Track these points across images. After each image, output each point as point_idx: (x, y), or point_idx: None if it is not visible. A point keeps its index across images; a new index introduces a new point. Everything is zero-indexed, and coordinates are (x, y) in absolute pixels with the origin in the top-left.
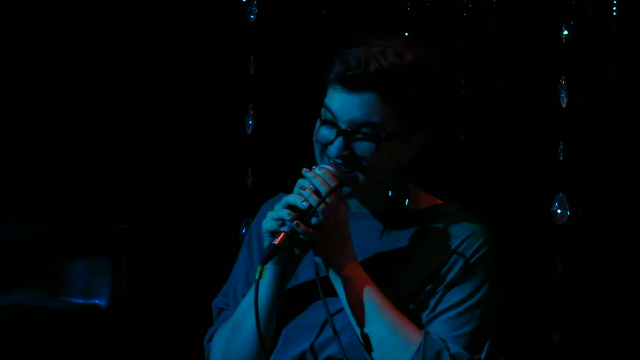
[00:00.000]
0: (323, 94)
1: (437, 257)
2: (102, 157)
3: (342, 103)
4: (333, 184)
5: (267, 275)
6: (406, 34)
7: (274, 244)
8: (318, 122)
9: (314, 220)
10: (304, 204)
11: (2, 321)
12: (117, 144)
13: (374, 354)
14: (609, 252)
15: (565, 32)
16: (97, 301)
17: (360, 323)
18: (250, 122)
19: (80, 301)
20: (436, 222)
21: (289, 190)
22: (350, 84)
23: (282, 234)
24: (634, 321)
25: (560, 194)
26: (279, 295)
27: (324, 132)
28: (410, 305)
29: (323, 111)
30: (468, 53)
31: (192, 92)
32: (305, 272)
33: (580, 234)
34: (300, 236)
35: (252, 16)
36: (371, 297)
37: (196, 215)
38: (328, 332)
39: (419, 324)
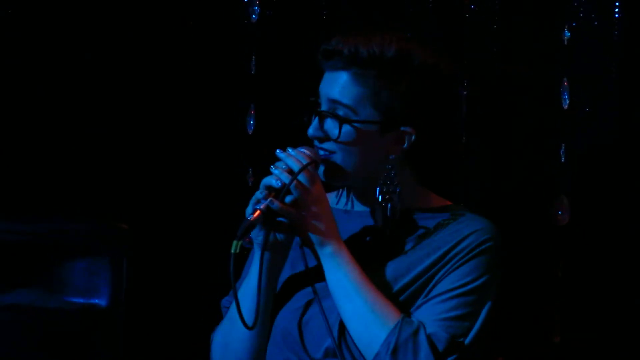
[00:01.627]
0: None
1: (439, 251)
2: (103, 157)
3: (325, 80)
4: (306, 162)
5: (256, 262)
6: (408, 34)
7: (249, 220)
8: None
9: (288, 198)
10: (277, 182)
11: (2, 321)
12: (117, 143)
13: (351, 331)
14: (610, 254)
15: (567, 34)
16: (97, 301)
17: (341, 299)
18: (251, 122)
19: (81, 301)
20: (444, 220)
21: None
22: (328, 60)
23: (258, 211)
24: (635, 323)
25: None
26: (271, 284)
27: (312, 118)
28: (407, 293)
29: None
30: (470, 54)
31: (193, 92)
32: (300, 263)
33: (581, 236)
34: (279, 219)
35: (253, 16)
36: (352, 274)
37: (197, 215)
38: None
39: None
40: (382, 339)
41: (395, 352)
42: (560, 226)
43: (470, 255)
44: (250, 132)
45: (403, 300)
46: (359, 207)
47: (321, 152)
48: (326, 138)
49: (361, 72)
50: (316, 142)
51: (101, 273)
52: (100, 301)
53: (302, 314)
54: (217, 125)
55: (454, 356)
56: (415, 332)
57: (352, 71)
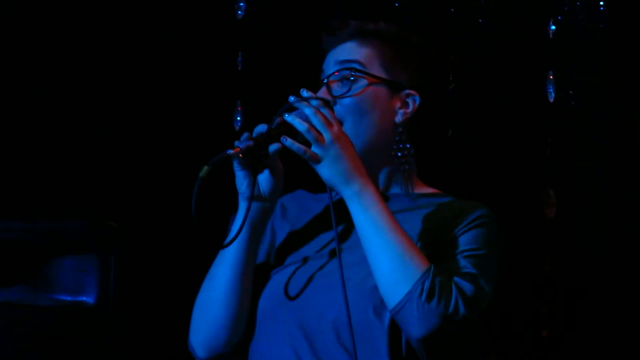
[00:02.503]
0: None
1: (440, 233)
2: (91, 155)
3: (326, 59)
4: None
5: (240, 214)
6: None
7: (227, 152)
8: None
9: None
10: (265, 128)
11: None
12: (105, 141)
13: (378, 269)
14: (598, 248)
15: (553, 27)
16: (85, 298)
17: (370, 237)
18: (238, 119)
19: (68, 299)
20: (437, 203)
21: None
22: (332, 35)
23: (237, 148)
24: (623, 317)
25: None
26: (254, 237)
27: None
28: None
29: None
30: (456, 48)
31: (180, 89)
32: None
33: (567, 230)
34: (265, 162)
35: (240, 12)
36: (381, 214)
37: (186, 213)
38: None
39: None
40: (413, 280)
41: (429, 294)
42: (546, 220)
43: (474, 223)
44: (237, 128)
45: None
46: None
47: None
48: (332, 101)
49: (365, 39)
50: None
51: (89, 271)
52: (88, 299)
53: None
54: (204, 122)
55: (479, 307)
56: (448, 279)
57: (357, 39)
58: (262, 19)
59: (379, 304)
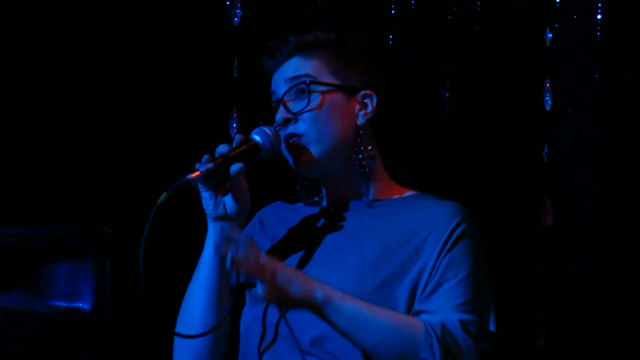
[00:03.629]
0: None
1: (414, 236)
2: (86, 159)
3: (274, 79)
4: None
5: (210, 235)
6: (390, 36)
7: (186, 177)
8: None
9: (234, 167)
10: (224, 147)
11: None
12: (101, 147)
13: (385, 356)
14: (594, 255)
15: (550, 35)
16: (80, 304)
17: (359, 334)
18: (234, 125)
19: (64, 304)
20: (410, 206)
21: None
22: (274, 58)
23: (197, 172)
24: (620, 325)
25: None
26: (224, 262)
27: (276, 116)
28: (397, 286)
29: (272, 102)
30: (453, 56)
31: (176, 95)
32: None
33: (564, 238)
34: (229, 183)
35: (236, 19)
36: (356, 306)
37: (181, 218)
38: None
39: (411, 305)
40: (420, 348)
41: (442, 353)
42: (543, 228)
43: (452, 238)
44: (233, 134)
45: (391, 284)
46: (327, 201)
47: (290, 140)
48: (294, 119)
49: (308, 52)
50: (283, 131)
51: (85, 277)
52: (84, 305)
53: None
54: (200, 128)
55: (488, 336)
56: (444, 326)
57: (299, 55)
58: (258, 26)
59: None
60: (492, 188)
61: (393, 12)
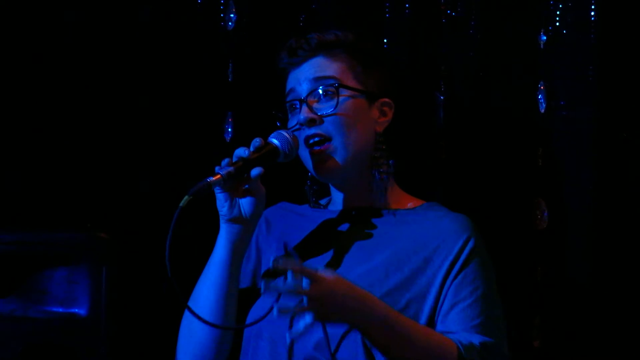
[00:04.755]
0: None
1: (424, 247)
2: (82, 166)
3: (294, 77)
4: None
5: (221, 235)
6: (385, 40)
7: (207, 180)
8: (289, 116)
9: (255, 171)
10: (245, 152)
11: None
12: (96, 152)
13: None
14: (589, 258)
15: (544, 38)
16: (76, 310)
17: (389, 348)
18: (229, 130)
19: (60, 310)
20: (420, 217)
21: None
22: (295, 56)
23: (218, 175)
24: (614, 327)
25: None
26: (236, 259)
27: (292, 119)
28: (405, 296)
29: (287, 100)
30: (447, 59)
31: (170, 100)
32: None
33: (559, 240)
34: (246, 186)
35: (230, 23)
36: (396, 323)
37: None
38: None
39: (416, 315)
40: None
41: None
42: (538, 230)
43: (465, 256)
44: (228, 139)
45: (398, 293)
46: (337, 206)
47: (315, 145)
48: (319, 120)
49: (330, 52)
50: (306, 130)
51: (81, 282)
52: (80, 310)
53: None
54: (195, 133)
55: (504, 345)
56: (473, 347)
57: (321, 54)
58: (253, 30)
59: None
60: (486, 190)
61: (387, 15)
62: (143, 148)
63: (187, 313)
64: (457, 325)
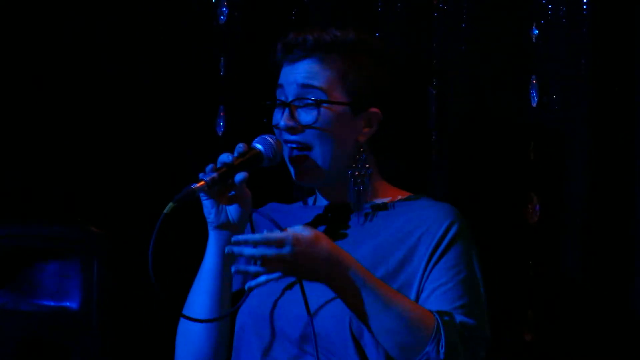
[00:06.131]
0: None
1: (408, 236)
2: (73, 159)
3: (285, 74)
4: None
5: (211, 243)
6: (377, 34)
7: (191, 187)
8: (275, 110)
9: (239, 176)
10: (229, 157)
11: None
12: (87, 146)
13: (392, 341)
14: (581, 252)
15: (536, 31)
16: (68, 303)
17: (365, 315)
18: (221, 124)
19: (51, 303)
20: (405, 208)
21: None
22: (290, 53)
23: (202, 181)
24: (606, 321)
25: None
26: (226, 265)
27: (276, 113)
28: (392, 285)
29: (276, 93)
30: (439, 53)
31: (161, 94)
32: None
33: (551, 234)
34: (231, 193)
35: (222, 17)
36: (375, 292)
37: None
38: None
39: None
40: (427, 343)
41: (446, 350)
42: (530, 224)
43: (447, 241)
44: (220, 133)
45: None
46: (322, 202)
47: (295, 151)
48: (300, 129)
49: (326, 57)
50: (286, 135)
51: (72, 276)
52: (72, 304)
53: (278, 298)
54: (186, 127)
55: (485, 341)
56: (452, 323)
57: (317, 57)
58: (244, 24)
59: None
60: (478, 185)
61: (380, 9)
62: (134, 142)
63: (182, 322)
64: (438, 306)
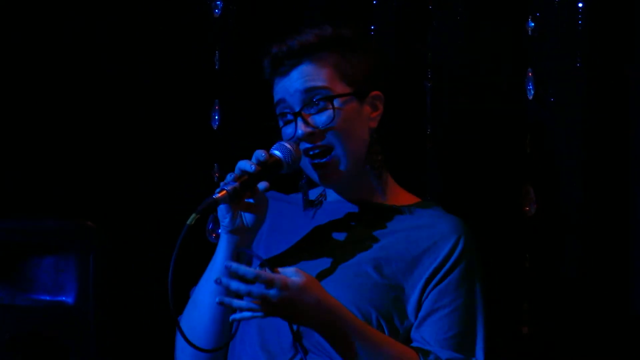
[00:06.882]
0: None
1: (415, 246)
2: (69, 154)
3: (282, 87)
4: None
5: (222, 246)
6: (372, 27)
7: (213, 197)
8: (280, 124)
9: (262, 185)
10: (251, 166)
11: None
12: (83, 141)
13: None
14: (577, 245)
15: (532, 24)
16: (64, 298)
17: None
18: (216, 117)
19: (47, 298)
20: (414, 215)
21: None
22: (281, 65)
23: (224, 191)
24: (603, 314)
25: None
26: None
27: (286, 129)
28: (392, 294)
29: (277, 110)
30: (434, 46)
31: (157, 88)
32: None
33: (547, 227)
34: (247, 200)
35: (217, 10)
36: (358, 332)
37: (164, 211)
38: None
39: (400, 311)
40: None
41: None
42: (526, 217)
43: (451, 262)
44: (215, 127)
45: (385, 289)
46: (332, 198)
47: (317, 158)
48: (318, 133)
49: (316, 57)
50: (305, 144)
51: (68, 270)
52: (67, 299)
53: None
54: (182, 120)
55: None
56: None
57: (307, 59)
58: (239, 17)
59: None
60: (475, 178)
61: (375, 2)
62: (130, 136)
63: (187, 317)
64: (430, 335)
